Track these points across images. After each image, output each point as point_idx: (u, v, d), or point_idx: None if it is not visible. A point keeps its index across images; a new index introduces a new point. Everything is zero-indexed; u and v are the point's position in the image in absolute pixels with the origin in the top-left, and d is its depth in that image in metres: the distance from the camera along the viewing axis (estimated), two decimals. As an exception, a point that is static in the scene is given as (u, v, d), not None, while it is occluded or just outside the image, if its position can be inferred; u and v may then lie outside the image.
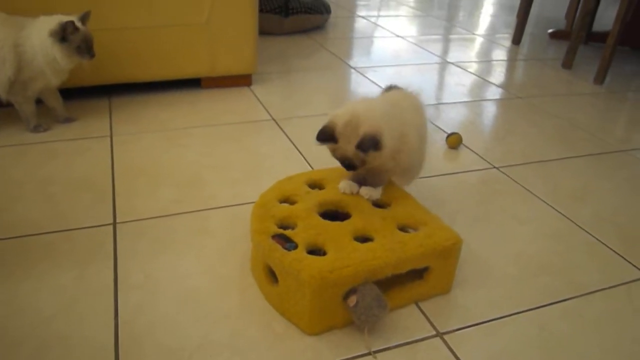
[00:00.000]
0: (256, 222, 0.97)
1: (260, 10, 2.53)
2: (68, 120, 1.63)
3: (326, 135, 0.98)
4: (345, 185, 1.07)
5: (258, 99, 1.86)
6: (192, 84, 1.90)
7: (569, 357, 0.89)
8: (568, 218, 1.29)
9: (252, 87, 1.96)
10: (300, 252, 0.89)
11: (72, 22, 1.41)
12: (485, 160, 1.54)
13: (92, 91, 1.78)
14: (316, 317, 0.88)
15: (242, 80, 1.94)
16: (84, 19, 1.47)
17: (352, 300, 0.86)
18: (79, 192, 1.26)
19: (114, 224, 1.16)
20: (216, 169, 1.39)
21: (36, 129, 1.55)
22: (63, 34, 1.42)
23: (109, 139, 1.52)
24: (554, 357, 0.89)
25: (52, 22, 1.42)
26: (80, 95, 1.76)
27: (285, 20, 2.62)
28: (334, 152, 1.01)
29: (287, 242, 0.92)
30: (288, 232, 0.94)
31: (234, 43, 1.83)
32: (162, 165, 1.40)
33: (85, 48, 1.47)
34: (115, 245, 1.09)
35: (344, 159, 1.00)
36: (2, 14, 1.45)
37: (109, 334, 0.87)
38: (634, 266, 1.14)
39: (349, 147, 0.97)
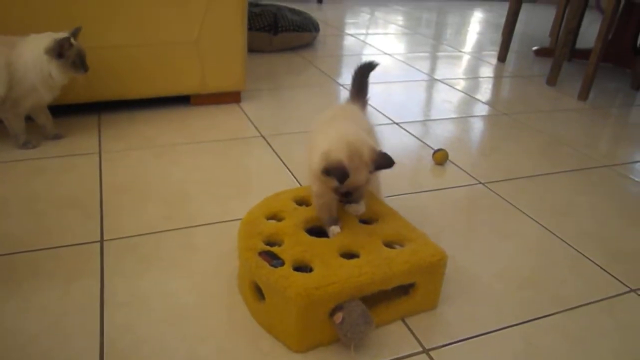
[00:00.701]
0: (243, 239, 0.97)
1: (250, 29, 2.56)
2: (57, 137, 1.63)
3: (345, 175, 0.93)
4: (332, 233, 1.02)
5: (247, 116, 1.87)
6: (182, 101, 1.91)
7: (553, 372, 0.90)
8: (552, 233, 1.30)
9: (241, 104, 1.97)
10: (287, 269, 0.89)
11: (68, 39, 1.44)
12: (472, 176, 1.56)
13: (82, 108, 1.79)
14: (303, 334, 0.88)
15: (231, 98, 1.96)
16: (75, 34, 1.48)
17: (339, 317, 0.86)
18: (66, 209, 1.26)
19: (101, 241, 1.16)
20: (204, 186, 1.40)
21: (25, 145, 1.55)
22: (59, 51, 1.44)
23: (97, 155, 1.52)
24: (539, 372, 0.89)
25: (45, 39, 1.44)
26: (70, 112, 1.76)
27: (274, 37, 2.65)
28: (339, 188, 0.96)
29: (273, 259, 0.92)
30: (275, 249, 0.95)
31: (223, 61, 1.84)
32: (151, 182, 1.40)
33: (80, 63, 1.49)
34: (102, 262, 1.09)
35: (354, 189, 0.97)
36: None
37: (94, 353, 0.86)
38: (618, 280, 1.15)
39: (361, 176, 0.95)
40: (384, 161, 0.96)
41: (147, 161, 1.51)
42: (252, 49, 2.61)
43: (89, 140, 1.62)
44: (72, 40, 1.46)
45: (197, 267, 1.09)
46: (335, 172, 0.92)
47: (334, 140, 0.97)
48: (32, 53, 1.44)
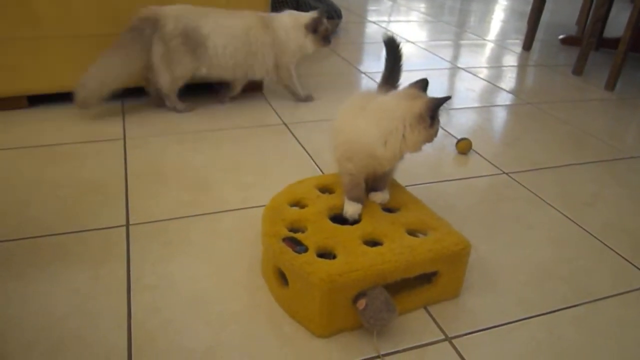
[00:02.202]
0: (267, 225, 0.98)
1: (272, 15, 2.55)
2: (307, 99, 1.95)
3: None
4: (354, 210, 1.03)
5: (269, 104, 1.87)
6: (204, 89, 1.92)
7: (577, 363, 0.89)
8: (577, 224, 1.29)
9: (264, 91, 1.98)
10: (310, 255, 0.90)
11: (321, 18, 1.79)
12: (495, 165, 1.55)
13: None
14: (326, 320, 0.88)
15: (254, 85, 1.96)
16: (324, 14, 1.81)
17: (362, 303, 0.87)
18: (91, 194, 1.28)
19: (127, 225, 1.17)
20: (227, 172, 1.41)
21: (307, 98, 1.94)
22: (315, 27, 1.79)
23: (122, 141, 1.54)
24: (563, 363, 0.89)
25: (302, 17, 1.80)
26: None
27: (297, 25, 2.64)
28: (433, 133, 1.02)
29: (297, 245, 0.93)
30: (298, 236, 0.95)
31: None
32: (174, 168, 1.42)
33: (327, 38, 1.83)
34: (128, 246, 1.10)
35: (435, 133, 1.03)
36: (257, 17, 1.75)
37: (122, 335, 0.88)
38: (644, 273, 1.14)
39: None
40: (438, 101, 0.99)
41: (171, 147, 1.53)
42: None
43: (114, 126, 1.64)
44: (323, 19, 1.79)
45: (221, 252, 1.10)
46: (435, 110, 0.99)
47: (398, 100, 1.02)
48: (294, 27, 1.78)
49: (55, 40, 1.63)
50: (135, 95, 1.83)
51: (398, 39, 1.19)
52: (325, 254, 0.92)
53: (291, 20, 1.79)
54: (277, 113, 1.80)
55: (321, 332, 0.89)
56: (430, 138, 1.01)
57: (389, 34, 1.19)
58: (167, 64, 1.66)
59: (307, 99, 1.94)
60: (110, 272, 1.03)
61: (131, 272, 1.03)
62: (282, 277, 0.94)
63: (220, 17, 1.69)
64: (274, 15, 1.80)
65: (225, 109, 1.81)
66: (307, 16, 1.79)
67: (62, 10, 1.60)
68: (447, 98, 1.00)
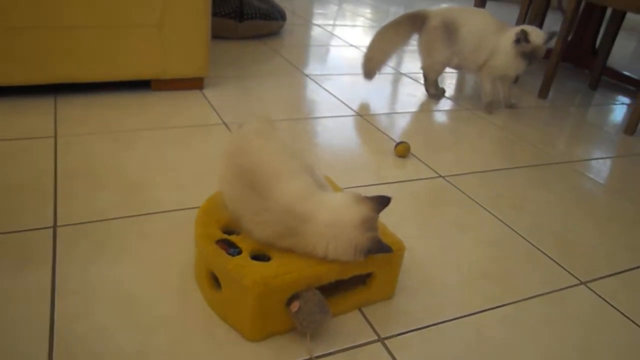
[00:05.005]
0: (200, 227, 0.96)
1: (215, 14, 2.51)
2: (513, 106, 2.19)
3: None
4: None
5: (209, 103, 1.84)
6: (142, 86, 1.86)
7: (504, 361, 0.92)
8: (509, 226, 1.33)
9: (204, 90, 1.94)
10: (244, 258, 0.88)
11: (524, 32, 1.91)
12: (432, 169, 1.58)
13: (36, 90, 1.73)
14: (258, 323, 0.87)
15: (193, 84, 1.92)
16: (550, 37, 1.94)
17: (295, 305, 0.86)
18: (16, 194, 1.21)
19: (54, 227, 1.12)
20: (163, 173, 1.37)
21: (489, 106, 2.12)
22: (517, 40, 1.93)
23: (52, 139, 1.48)
24: (491, 361, 0.91)
25: (514, 31, 1.97)
26: (23, 93, 1.70)
27: (240, 25, 2.61)
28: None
29: (231, 248, 0.91)
30: (233, 238, 0.94)
31: (185, 46, 1.81)
32: (108, 168, 1.37)
33: (530, 58, 1.95)
34: (54, 249, 1.05)
35: None
36: (496, 23, 2.05)
37: (42, 344, 0.84)
38: (570, 273, 1.19)
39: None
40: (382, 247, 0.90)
41: (105, 146, 1.47)
42: (217, 35, 2.58)
43: (45, 123, 1.56)
44: (530, 36, 1.90)
45: (153, 255, 1.07)
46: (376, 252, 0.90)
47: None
48: (508, 39, 1.97)
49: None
50: (68, 91, 1.76)
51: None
52: (260, 256, 0.91)
53: (511, 33, 1.98)
54: (217, 112, 1.77)
55: (253, 335, 0.88)
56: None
57: None
58: (428, 51, 2.11)
59: (488, 108, 2.12)
60: (33, 277, 0.97)
61: (56, 277, 0.98)
62: (216, 281, 0.92)
63: (471, 14, 2.07)
64: (512, 27, 2.03)
65: (163, 107, 1.76)
66: (517, 29, 1.95)
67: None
68: (389, 250, 0.90)
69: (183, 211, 1.22)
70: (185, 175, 1.37)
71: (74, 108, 1.68)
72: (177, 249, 1.08)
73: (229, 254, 0.89)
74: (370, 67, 2.17)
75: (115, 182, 1.31)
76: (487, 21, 2.05)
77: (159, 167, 1.40)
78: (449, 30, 2.05)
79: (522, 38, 1.90)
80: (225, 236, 0.94)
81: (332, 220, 0.88)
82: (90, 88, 1.80)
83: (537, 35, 1.91)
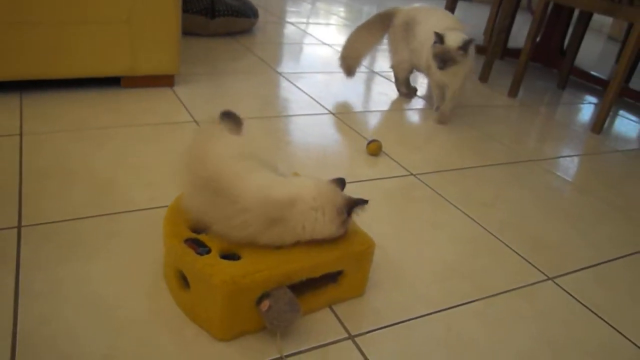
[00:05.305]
0: (169, 226, 0.94)
1: (186, 11, 2.49)
2: (441, 121, 2.01)
3: None
4: None
5: (180, 101, 1.82)
6: (112, 82, 1.83)
7: (474, 357, 0.93)
8: (479, 223, 1.35)
9: (175, 88, 1.92)
10: (213, 257, 0.87)
11: (439, 35, 1.80)
12: (404, 167, 1.59)
13: (1, 87, 1.68)
14: (228, 323, 0.86)
15: (164, 81, 1.90)
16: (466, 44, 1.80)
17: (265, 304, 0.85)
18: (-21, 194, 1.18)
19: (19, 227, 1.09)
20: (133, 171, 1.35)
21: (436, 110, 2.03)
22: (435, 41, 1.82)
23: (18, 137, 1.44)
24: (461, 357, 0.92)
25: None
26: (-13, 90, 1.66)
27: (211, 22, 2.59)
28: None
29: (200, 247, 0.90)
30: (202, 237, 0.93)
31: (156, 42, 1.78)
32: (75, 166, 1.34)
33: (439, 60, 1.81)
34: (18, 250, 1.03)
35: None
36: (450, 24, 1.91)
37: (4, 348, 0.82)
38: (537, 269, 1.21)
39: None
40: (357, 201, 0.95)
41: (74, 144, 1.44)
42: (188, 32, 2.55)
43: (9, 120, 1.52)
44: (444, 38, 1.79)
45: (121, 255, 1.05)
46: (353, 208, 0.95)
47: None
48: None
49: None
50: (35, 88, 1.72)
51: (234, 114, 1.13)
52: (230, 255, 0.90)
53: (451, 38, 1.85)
54: (187, 110, 1.75)
55: (223, 335, 0.87)
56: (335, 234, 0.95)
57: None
58: (393, 49, 2.11)
59: (436, 113, 2.03)
60: (-5, 278, 0.95)
61: (20, 278, 0.95)
62: (184, 280, 0.91)
63: (430, 13, 2.00)
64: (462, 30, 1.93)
65: (133, 104, 1.73)
66: (438, 47, 1.83)
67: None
68: (365, 201, 0.95)
69: (153, 210, 1.20)
70: (155, 173, 1.35)
71: (41, 106, 1.64)
72: (146, 249, 1.07)
73: (198, 253, 0.88)
74: (348, 64, 2.19)
75: (84, 180, 1.28)
76: (441, 22, 1.95)
77: (128, 165, 1.37)
78: (408, 28, 2.04)
79: (437, 40, 1.81)
80: (195, 235, 0.93)
81: (316, 195, 0.92)
82: (58, 85, 1.76)
83: (451, 39, 1.80)
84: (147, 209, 1.21)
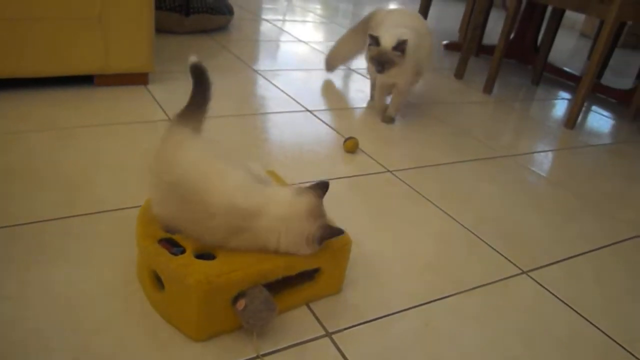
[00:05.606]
0: (141, 226, 0.93)
1: (160, 8, 2.45)
2: (387, 120, 1.95)
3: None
4: None
5: (155, 99, 1.79)
6: (84, 81, 1.80)
7: (451, 350, 0.94)
8: (454, 219, 1.36)
9: (149, 86, 1.89)
10: (188, 257, 0.86)
11: (372, 36, 1.76)
12: (380, 164, 1.59)
13: (-32, 86, 1.64)
14: (203, 323, 0.86)
15: (138, 79, 1.87)
16: (400, 44, 1.73)
17: (241, 304, 0.85)
18: (-55, 196, 1.15)
19: (-14, 230, 1.07)
20: (106, 171, 1.32)
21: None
22: (370, 43, 1.79)
23: (-15, 138, 1.40)
24: (438, 351, 0.93)
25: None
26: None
27: (186, 19, 2.55)
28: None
29: (174, 247, 0.89)
30: (176, 237, 0.91)
31: (129, 39, 1.75)
32: (48, 166, 1.31)
33: (375, 62, 1.77)
34: (-14, 252, 1.00)
35: None
36: (413, 27, 1.86)
37: (-28, 350, 0.80)
38: (512, 263, 1.22)
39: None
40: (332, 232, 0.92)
41: (45, 144, 1.41)
42: (162, 29, 2.51)
43: (-23, 120, 1.49)
44: (379, 40, 1.74)
45: (94, 256, 1.03)
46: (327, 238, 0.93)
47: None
48: None
49: None
50: (4, 87, 1.68)
51: (203, 66, 1.07)
52: (205, 255, 0.89)
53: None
54: (162, 108, 1.73)
55: (198, 336, 0.86)
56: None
57: (194, 60, 1.07)
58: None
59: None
60: (-37, 282, 0.92)
61: (-12, 281, 0.93)
62: (159, 281, 0.90)
63: (396, 16, 1.98)
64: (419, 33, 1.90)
65: (107, 103, 1.70)
66: (373, 50, 1.78)
67: None
68: (341, 232, 0.91)
69: (126, 210, 1.18)
70: (128, 173, 1.33)
71: (11, 104, 1.60)
72: (119, 250, 1.05)
73: (172, 253, 0.87)
74: (331, 64, 2.35)
75: (55, 181, 1.25)
76: (399, 21, 1.90)
77: (101, 165, 1.35)
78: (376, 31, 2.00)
79: (372, 42, 1.76)
80: (169, 235, 0.92)
81: (283, 213, 0.88)
82: (29, 84, 1.72)
83: (386, 40, 1.74)
84: (119, 209, 1.19)
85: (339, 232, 0.91)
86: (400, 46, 1.73)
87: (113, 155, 1.40)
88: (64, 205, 1.17)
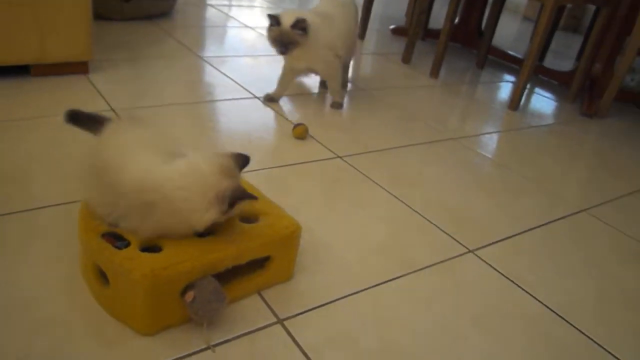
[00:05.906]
0: (83, 221, 0.90)
1: (98, -6, 2.36)
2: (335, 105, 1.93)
3: None
4: None
5: (96, 88, 1.73)
6: (20, 71, 1.71)
7: (402, 330, 0.95)
8: (403, 202, 1.38)
9: (90, 75, 1.82)
10: (133, 250, 0.84)
11: (272, 16, 1.69)
12: (330, 150, 1.60)
13: None
14: (151, 317, 0.84)
15: (77, 68, 1.80)
16: (297, 22, 1.67)
17: (190, 295, 0.84)
18: None
19: None
20: (46, 165, 1.27)
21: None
22: (270, 24, 1.72)
23: None
24: (388, 332, 0.94)
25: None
26: None
27: (126, 5, 2.47)
28: None
29: (118, 240, 0.87)
30: (120, 230, 0.89)
31: (65, 26, 1.68)
32: (-21, 162, 1.25)
33: (278, 43, 1.71)
34: None
35: None
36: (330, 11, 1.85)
37: None
38: (459, 243, 1.25)
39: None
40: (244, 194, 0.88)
41: (-24, 138, 1.34)
42: (101, 16, 2.42)
43: None
44: (280, 19, 1.68)
45: (35, 253, 0.99)
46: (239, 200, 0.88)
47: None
48: None
49: None
50: None
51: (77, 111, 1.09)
52: (152, 248, 0.87)
53: None
54: (104, 98, 1.67)
55: (146, 330, 0.84)
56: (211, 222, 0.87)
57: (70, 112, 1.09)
58: None
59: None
60: None
61: None
62: (103, 276, 0.87)
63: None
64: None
65: (45, 94, 1.63)
66: (275, 30, 1.72)
67: None
68: (253, 197, 0.88)
69: (67, 205, 1.14)
70: (69, 166, 1.28)
71: (-63, 97, 1.51)
72: (63, 245, 1.01)
73: (116, 247, 0.85)
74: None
75: (-11, 177, 1.19)
76: (327, 9, 1.88)
77: (40, 159, 1.30)
78: None
79: (273, 22, 1.70)
80: (112, 229, 0.89)
81: (194, 170, 0.86)
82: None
83: (284, 19, 1.68)
84: (60, 204, 1.14)
85: (252, 196, 0.88)
86: (299, 24, 1.67)
87: (52, 149, 1.35)
88: (1, 202, 1.12)
